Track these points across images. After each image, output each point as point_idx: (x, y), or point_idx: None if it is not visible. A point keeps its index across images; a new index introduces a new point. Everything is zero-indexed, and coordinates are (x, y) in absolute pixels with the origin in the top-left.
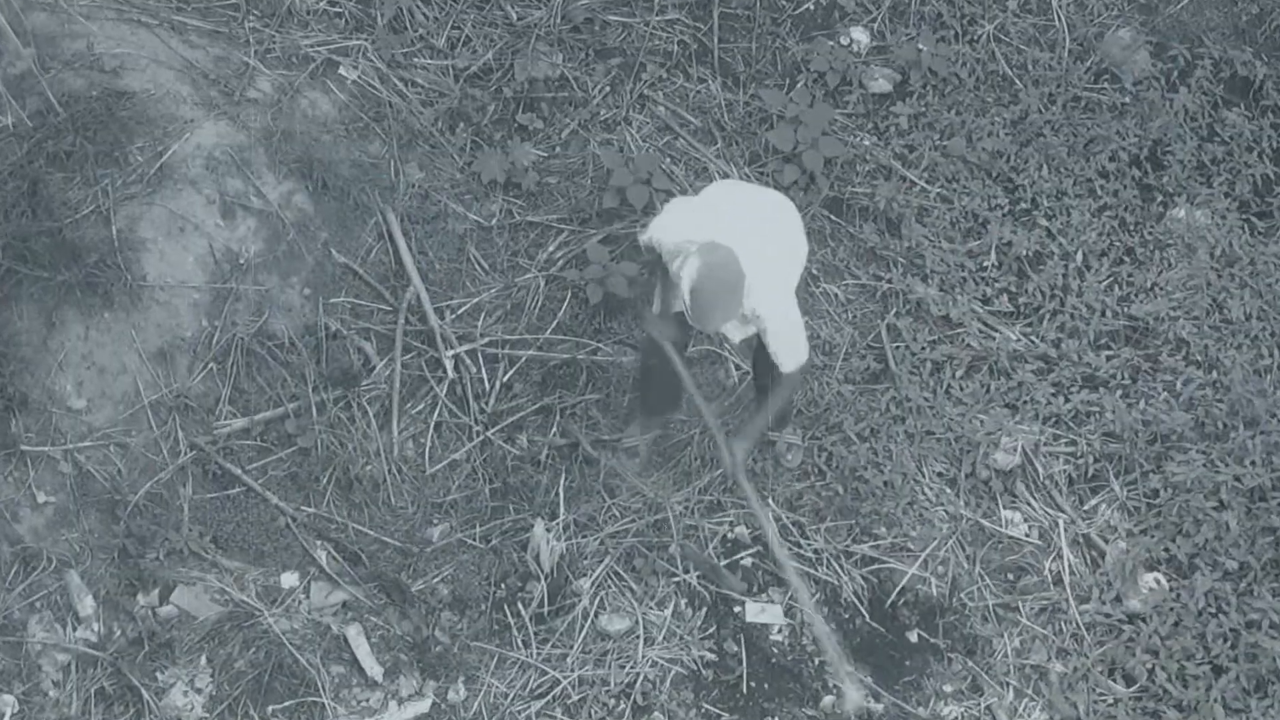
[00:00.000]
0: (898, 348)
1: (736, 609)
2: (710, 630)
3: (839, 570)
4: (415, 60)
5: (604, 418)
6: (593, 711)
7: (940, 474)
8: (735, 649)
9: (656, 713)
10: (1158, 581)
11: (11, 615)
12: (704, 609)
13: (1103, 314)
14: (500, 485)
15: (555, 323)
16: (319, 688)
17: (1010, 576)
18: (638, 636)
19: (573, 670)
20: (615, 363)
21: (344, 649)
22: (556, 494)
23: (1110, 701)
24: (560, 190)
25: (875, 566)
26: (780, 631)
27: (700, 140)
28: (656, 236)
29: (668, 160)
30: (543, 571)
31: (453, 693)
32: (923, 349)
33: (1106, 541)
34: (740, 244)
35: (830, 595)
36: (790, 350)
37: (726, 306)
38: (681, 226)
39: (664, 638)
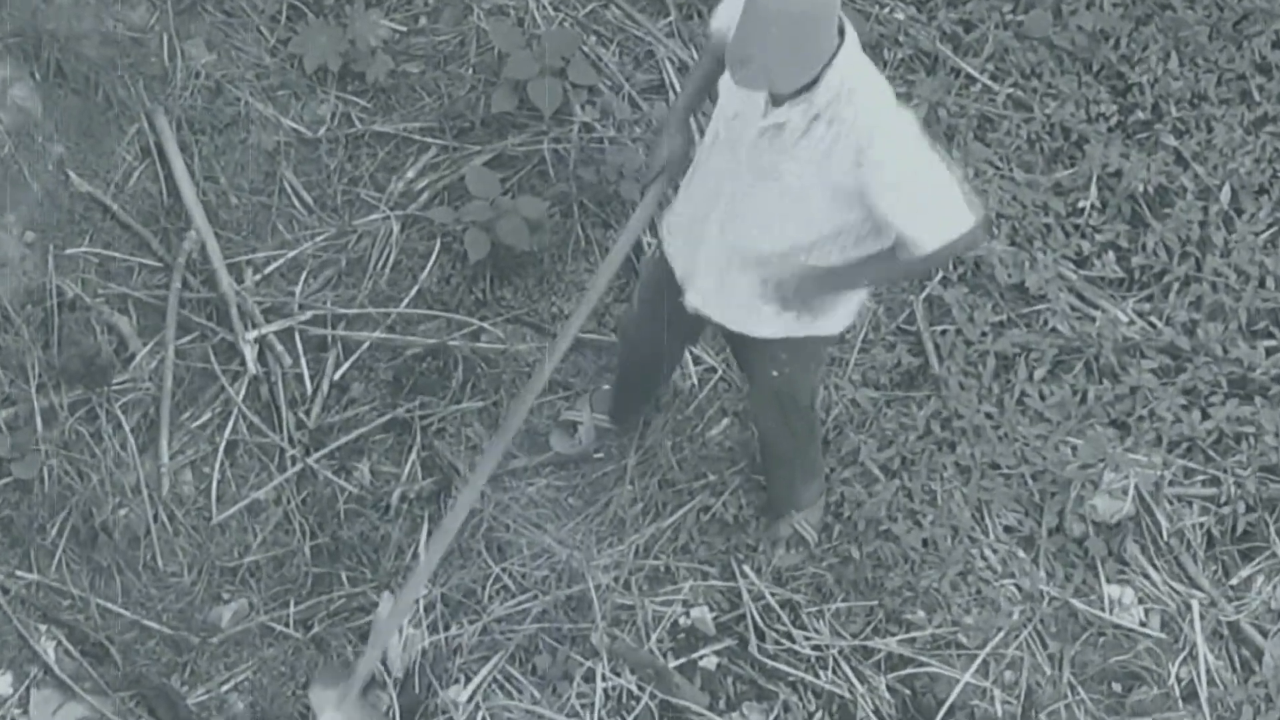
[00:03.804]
0: (944, 333)
1: None
2: None
3: (853, 677)
4: None
5: (490, 437)
6: None
7: (1010, 529)
8: None
9: None
10: None
11: None
12: None
13: (1261, 283)
14: (328, 541)
15: (416, 289)
16: None
17: (1116, 687)
18: None
19: None
20: (510, 353)
21: None
22: (415, 556)
23: None
24: (426, 85)
25: (909, 671)
26: None
27: (644, 9)
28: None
29: (592, 39)
30: (391, 676)
31: None
32: (982, 336)
33: (1265, 635)
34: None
35: (840, 715)
36: (925, 204)
37: (798, 48)
38: None
39: None
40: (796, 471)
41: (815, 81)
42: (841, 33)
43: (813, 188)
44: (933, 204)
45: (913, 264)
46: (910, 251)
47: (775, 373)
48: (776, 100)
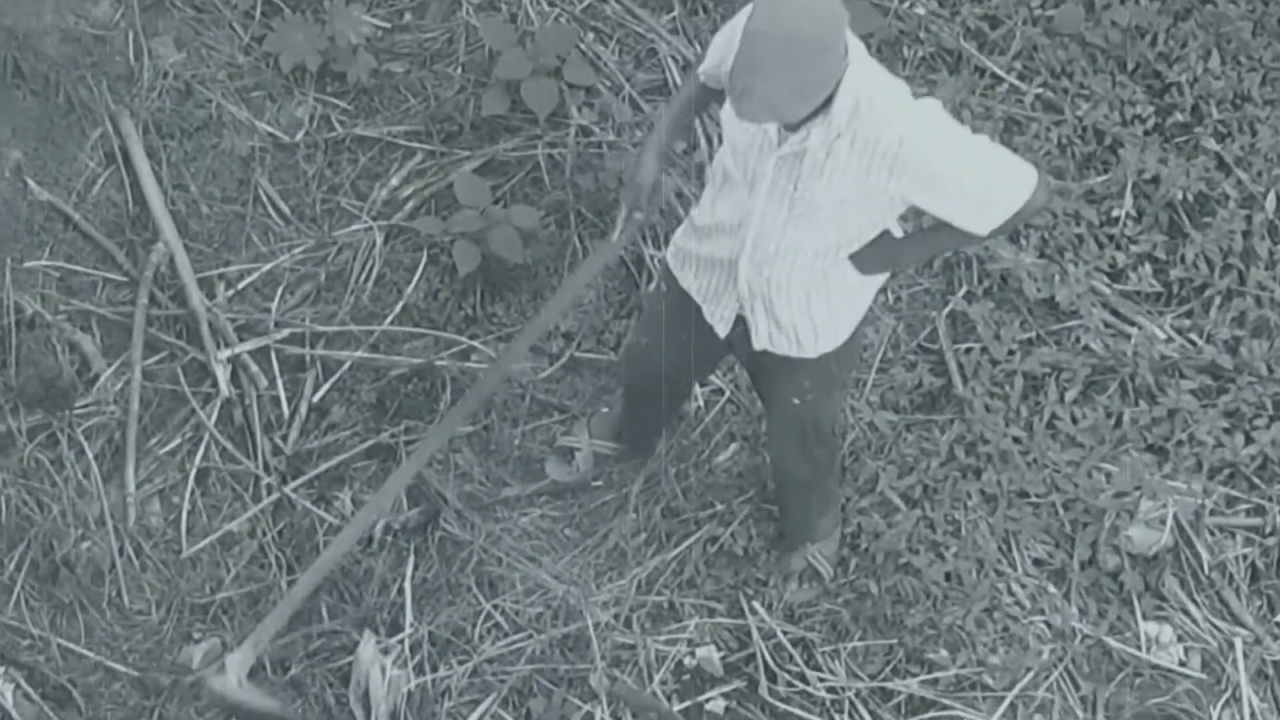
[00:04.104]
0: (968, 352)
1: None
2: None
3: None
4: None
5: (483, 466)
6: None
7: (1039, 562)
8: None
9: None
10: None
11: None
12: None
13: None
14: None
15: (400, 305)
16: None
17: None
18: None
19: None
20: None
21: None
22: (400, 592)
23: None
24: (411, 85)
25: (931, 714)
26: None
27: (645, 4)
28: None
29: (590, 36)
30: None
31: None
32: (1010, 355)
33: None
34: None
35: None
36: (974, 190)
37: (802, 76)
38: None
39: None
40: (813, 501)
41: (829, 101)
42: (846, 49)
43: (852, 208)
44: (982, 187)
45: (984, 238)
46: (976, 235)
47: (797, 400)
48: (791, 127)
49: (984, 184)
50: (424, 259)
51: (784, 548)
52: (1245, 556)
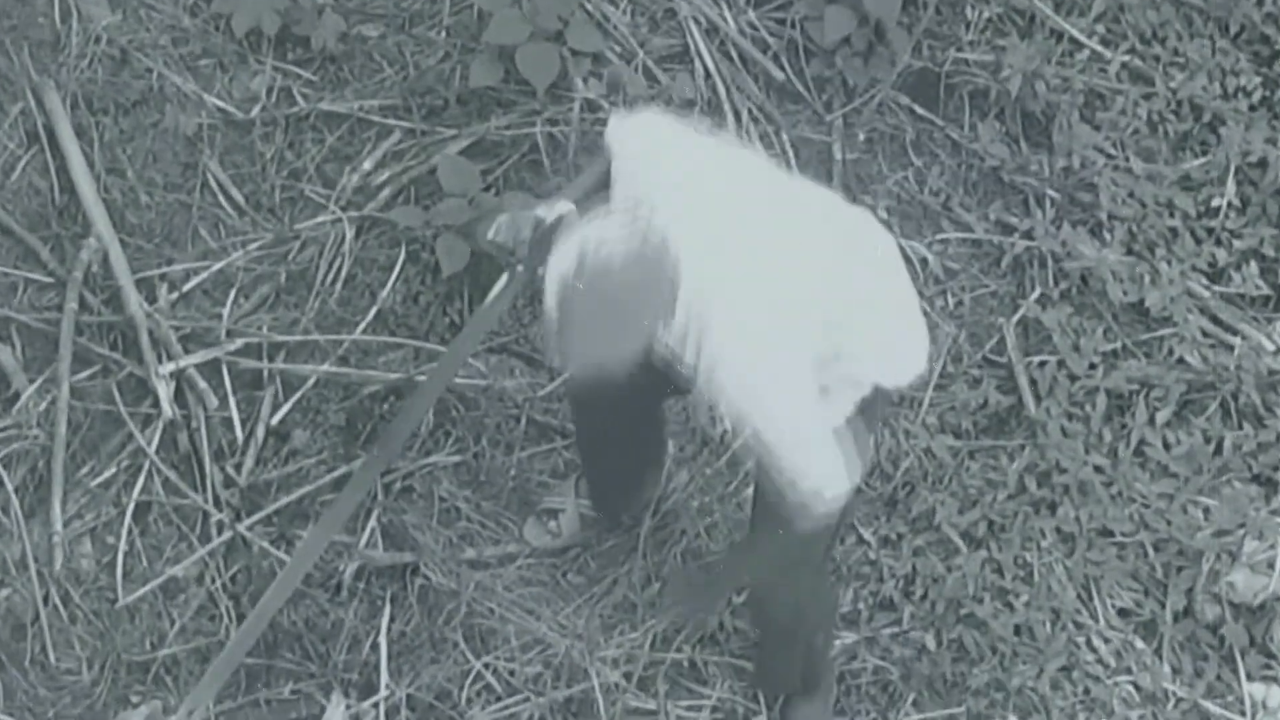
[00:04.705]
0: (1042, 365)
1: None
2: None
3: None
4: None
5: (470, 502)
6: None
7: (1125, 612)
8: None
9: None
10: None
11: None
12: None
13: None
14: (266, 628)
15: (374, 311)
16: None
17: None
18: None
19: None
20: (493, 391)
21: None
22: (374, 648)
23: None
24: (387, 52)
25: None
26: None
27: None
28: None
29: None
30: None
31: None
32: (1091, 369)
33: None
34: (730, 237)
35: None
36: (795, 468)
37: (611, 341)
38: (658, 161)
39: None
40: (794, 651)
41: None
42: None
43: None
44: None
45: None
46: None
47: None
48: None
49: (796, 458)
50: (402, 256)
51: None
52: None
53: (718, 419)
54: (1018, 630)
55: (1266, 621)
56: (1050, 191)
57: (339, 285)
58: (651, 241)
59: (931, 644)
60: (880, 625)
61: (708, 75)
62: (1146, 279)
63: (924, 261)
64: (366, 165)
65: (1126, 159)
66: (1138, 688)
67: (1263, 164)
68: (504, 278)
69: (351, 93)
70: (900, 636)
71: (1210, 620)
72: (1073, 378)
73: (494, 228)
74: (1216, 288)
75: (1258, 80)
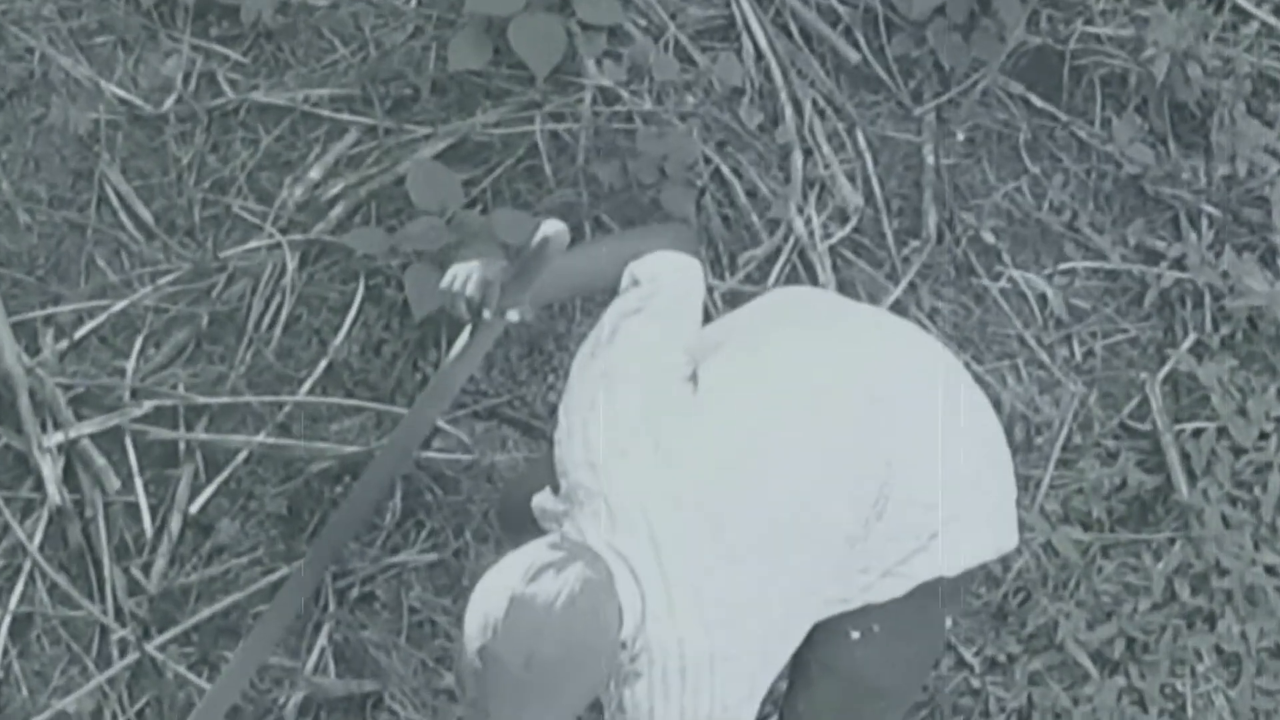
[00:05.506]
0: (1196, 435)
1: None
2: None
3: None
4: None
5: (449, 614)
6: None
7: None
8: None
9: None
10: None
11: None
12: None
13: None
14: None
15: (325, 365)
16: None
17: None
18: None
19: None
20: (479, 469)
21: None
22: None
23: None
24: (341, 28)
25: None
26: None
27: None
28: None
29: None
30: None
31: None
32: (1262, 440)
33: None
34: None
35: None
36: None
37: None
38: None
39: None
40: None
41: None
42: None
43: None
44: None
45: None
46: None
47: (857, 633)
48: None
49: None
50: (360, 293)
51: None
52: None
53: None
54: None
55: None
56: (1208, 207)
57: (278, 331)
58: (594, 581)
59: None
60: None
61: (759, 56)
62: None
63: (1042, 298)
64: (313, 174)
65: None
66: None
67: None
68: (470, 331)
69: (294, 79)
70: None
71: None
72: (1237, 451)
73: (448, 276)
74: None
75: None
